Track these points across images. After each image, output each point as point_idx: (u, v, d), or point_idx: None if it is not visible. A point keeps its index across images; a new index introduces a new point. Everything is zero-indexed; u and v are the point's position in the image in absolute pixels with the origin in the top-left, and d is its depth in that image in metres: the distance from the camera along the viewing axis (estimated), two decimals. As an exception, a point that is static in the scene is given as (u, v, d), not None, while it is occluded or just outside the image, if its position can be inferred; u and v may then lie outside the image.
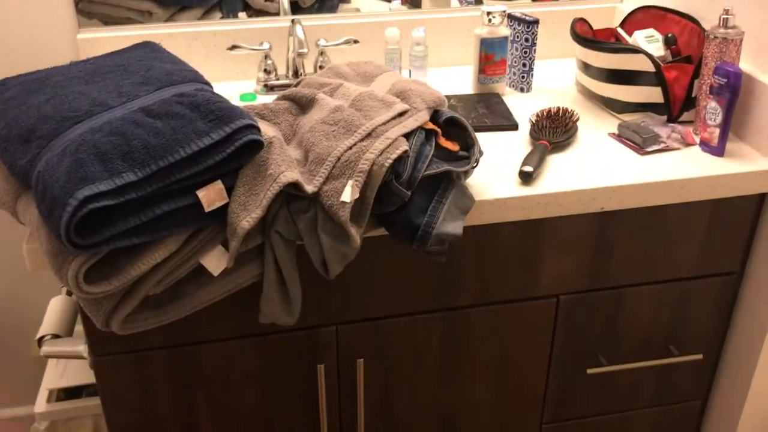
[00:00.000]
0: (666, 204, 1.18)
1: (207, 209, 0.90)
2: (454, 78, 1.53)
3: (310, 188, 0.96)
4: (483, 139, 1.29)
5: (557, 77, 1.54)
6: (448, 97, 1.43)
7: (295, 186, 0.95)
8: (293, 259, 0.99)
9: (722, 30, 1.20)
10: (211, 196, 0.91)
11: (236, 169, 0.94)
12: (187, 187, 0.90)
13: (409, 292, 1.18)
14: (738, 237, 1.27)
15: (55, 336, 1.22)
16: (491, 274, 1.20)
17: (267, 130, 1.02)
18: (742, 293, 1.33)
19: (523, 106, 1.40)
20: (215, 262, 0.95)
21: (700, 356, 1.34)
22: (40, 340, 1.23)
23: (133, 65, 1.06)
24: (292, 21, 1.40)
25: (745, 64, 1.25)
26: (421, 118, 1.06)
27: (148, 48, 1.14)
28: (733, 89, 1.17)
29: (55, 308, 1.31)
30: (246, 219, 0.91)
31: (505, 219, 1.13)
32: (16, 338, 1.67)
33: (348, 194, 0.95)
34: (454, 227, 1.03)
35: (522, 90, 1.48)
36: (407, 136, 1.03)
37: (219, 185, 0.91)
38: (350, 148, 0.99)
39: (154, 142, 0.87)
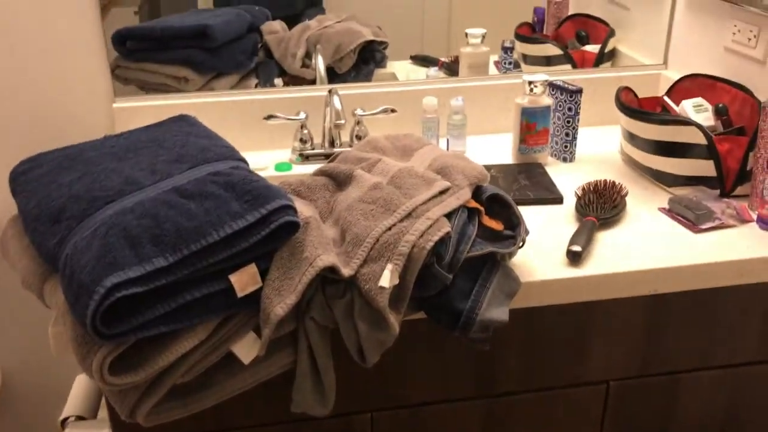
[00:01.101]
0: (722, 286, 1.11)
1: (240, 294, 0.86)
2: (493, 147, 1.49)
3: (346, 271, 0.92)
4: (526, 212, 1.23)
5: (601, 146, 1.49)
6: (488, 167, 1.38)
7: (331, 270, 0.90)
8: (328, 346, 0.94)
9: (779, 102, 1.14)
10: (244, 280, 0.86)
11: (271, 251, 0.90)
12: (220, 270, 0.86)
13: (448, 377, 1.11)
14: (802, 320, 1.18)
15: (80, 418, 1.18)
16: (536, 358, 1.13)
17: (303, 209, 0.98)
18: (807, 380, 1.24)
19: (567, 177, 1.35)
20: (246, 350, 0.90)
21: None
22: (64, 422, 1.18)
23: (168, 141, 1.04)
24: (329, 91, 1.38)
25: (804, 137, 1.19)
26: (463, 196, 1.01)
27: (184, 122, 1.12)
28: (794, 165, 1.10)
29: (81, 387, 1.27)
30: (280, 305, 0.86)
31: (553, 302, 1.07)
32: (40, 416, 1.62)
33: (387, 279, 0.90)
34: (499, 313, 0.97)
35: (565, 160, 1.43)
36: (449, 215, 0.98)
37: (253, 269, 0.87)
38: (389, 228, 0.94)
39: (187, 224, 0.83)
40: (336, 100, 1.35)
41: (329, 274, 0.91)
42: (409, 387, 1.10)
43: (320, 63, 1.58)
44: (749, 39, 1.30)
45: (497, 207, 1.05)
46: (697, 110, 1.33)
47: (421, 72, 1.63)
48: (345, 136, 1.48)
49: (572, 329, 1.12)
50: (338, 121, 1.33)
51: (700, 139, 1.22)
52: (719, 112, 1.30)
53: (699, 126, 1.22)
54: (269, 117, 1.41)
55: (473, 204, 1.02)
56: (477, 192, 1.06)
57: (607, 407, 1.19)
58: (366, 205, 0.99)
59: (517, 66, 1.68)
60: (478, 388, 1.13)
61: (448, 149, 1.47)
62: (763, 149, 1.17)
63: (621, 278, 1.07)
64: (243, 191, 0.88)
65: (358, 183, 1.04)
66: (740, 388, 1.22)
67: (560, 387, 1.16)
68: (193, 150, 1.00)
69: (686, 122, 1.23)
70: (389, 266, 0.91)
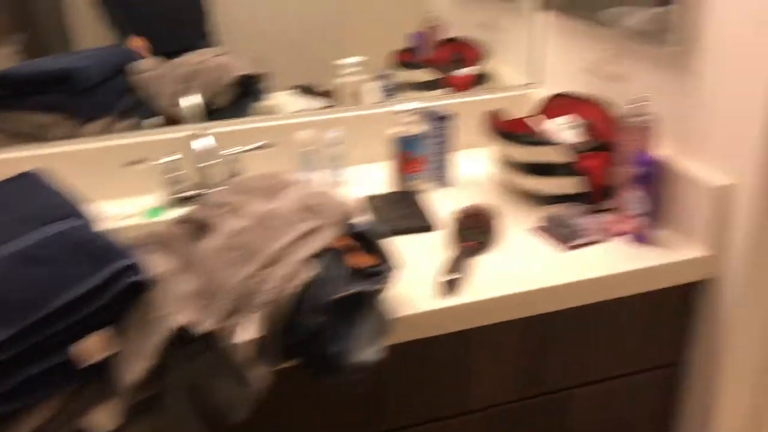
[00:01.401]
0: (597, 301, 1.13)
1: (82, 365, 0.80)
2: (373, 176, 1.48)
3: (207, 326, 0.87)
4: (402, 242, 1.22)
5: (479, 168, 1.50)
6: (367, 198, 1.37)
7: (187, 327, 0.85)
8: (191, 406, 0.89)
9: (636, 118, 1.17)
10: (89, 349, 0.81)
11: (121, 313, 0.85)
12: (63, 341, 0.80)
13: (329, 420, 1.08)
14: (675, 327, 1.22)
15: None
16: (420, 392, 1.11)
17: (159, 262, 0.93)
18: (686, 383, 1.27)
19: (446, 204, 1.35)
20: (103, 421, 0.84)
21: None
22: None
23: (10, 201, 0.97)
24: (198, 131, 1.33)
25: (664, 148, 1.23)
26: (330, 235, 0.99)
27: (29, 179, 1.05)
28: (652, 177, 1.14)
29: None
30: (132, 372, 0.81)
31: (430, 333, 1.05)
32: None
33: (247, 332, 0.86)
34: (371, 353, 0.94)
35: (442, 185, 1.43)
36: (315, 256, 0.95)
37: (99, 336, 0.82)
38: (251, 277, 0.91)
39: (19, 296, 0.77)
40: (206, 139, 1.30)
41: (187, 332, 0.86)
42: (293, 435, 1.07)
43: (192, 101, 1.53)
44: (607, 58, 1.34)
45: (368, 242, 1.03)
46: (566, 128, 1.36)
47: (307, 102, 1.61)
48: (220, 175, 1.43)
49: (453, 359, 1.11)
50: (208, 162, 1.28)
51: (566, 157, 1.24)
52: (585, 129, 1.33)
53: (564, 145, 1.24)
54: (136, 162, 1.35)
55: (341, 242, 1.00)
56: (347, 228, 1.04)
57: (497, 432, 1.18)
58: (227, 253, 0.95)
59: (399, 92, 1.68)
60: (365, 427, 1.10)
61: (328, 182, 1.45)
62: (626, 164, 1.20)
63: (497, 303, 1.07)
64: (85, 252, 0.83)
65: (220, 230, 1.00)
66: (624, 399, 1.25)
67: (446, 417, 1.14)
68: (35, 210, 0.93)
69: (551, 142, 1.25)
70: (252, 317, 0.87)
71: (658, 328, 1.20)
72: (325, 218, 1.00)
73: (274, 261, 0.93)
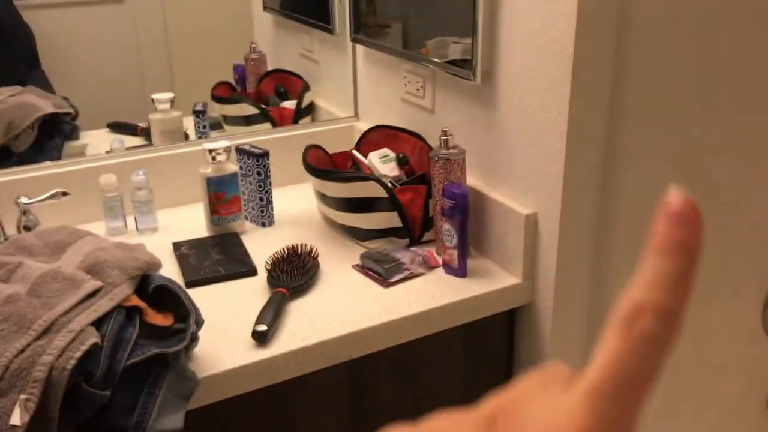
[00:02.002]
0: (418, 337, 1.11)
1: None
2: (189, 219, 1.39)
3: (-31, 412, 0.75)
4: (218, 291, 1.15)
5: (301, 205, 1.45)
6: (180, 244, 1.28)
7: (-59, 418, 0.73)
8: None
9: (444, 151, 1.18)
10: None
11: None
12: None
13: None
14: (498, 354, 1.23)
15: None
16: (240, 452, 1.04)
17: None
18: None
19: (266, 244, 1.28)
20: None
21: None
22: None
23: None
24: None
25: (473, 179, 1.24)
26: (119, 294, 0.89)
27: None
28: (462, 210, 1.14)
29: None
30: None
31: (244, 390, 0.98)
32: None
33: (17, 416, 0.75)
34: (173, 421, 0.86)
35: (264, 225, 1.37)
36: (101, 320, 0.86)
37: None
38: (22, 351, 0.80)
39: None
40: (-18, 192, 1.16)
41: (-59, 424, 0.74)
42: None
43: (-22, 146, 1.38)
44: (417, 89, 1.35)
45: (167, 298, 0.95)
46: (384, 161, 1.35)
47: (124, 141, 1.51)
48: (11, 229, 1.28)
49: (273, 413, 1.04)
50: (-14, 218, 1.14)
51: (381, 192, 1.23)
52: (400, 162, 1.33)
53: (377, 180, 1.23)
54: None
55: (133, 302, 0.91)
56: (144, 283, 0.95)
57: (327, 483, 1.13)
58: (-5, 325, 0.83)
59: (218, 127, 1.61)
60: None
61: (137, 228, 1.34)
62: (438, 197, 1.20)
63: (312, 351, 1.02)
64: None
65: (-11, 298, 0.87)
66: None
67: (271, 476, 1.08)
68: None
69: (366, 178, 1.23)
70: (21, 398, 0.76)
71: (482, 357, 1.21)
72: (114, 276, 0.91)
73: (50, 330, 0.82)
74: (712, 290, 1.31)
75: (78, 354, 0.80)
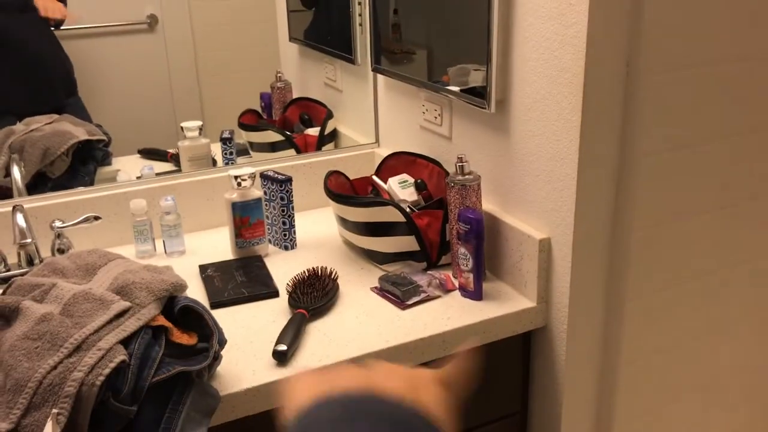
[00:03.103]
0: (434, 359, 1.14)
1: None
2: (215, 243, 1.44)
3: (5, 425, 0.80)
4: (241, 312, 1.19)
5: (322, 228, 1.50)
6: (206, 266, 1.33)
7: (-21, 430, 0.78)
8: None
9: (460, 177, 1.22)
10: None
11: None
12: None
13: None
14: (513, 376, 1.25)
15: None
16: (260, 468, 1.07)
17: (-49, 358, 0.85)
18: (530, 431, 1.30)
19: (288, 267, 1.33)
20: None
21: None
22: None
23: None
24: (14, 208, 1.25)
25: (489, 204, 1.27)
26: (147, 315, 0.94)
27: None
28: (477, 234, 1.17)
29: None
30: None
31: (263, 408, 1.02)
32: None
33: (49, 429, 0.80)
34: (196, 436, 0.90)
35: (286, 248, 1.42)
36: (129, 339, 0.90)
37: None
38: (55, 367, 0.85)
39: None
40: (19, 217, 1.22)
41: (-21, 435, 0.79)
42: None
43: (16, 173, 1.45)
44: (435, 117, 1.39)
45: (192, 318, 0.99)
46: (403, 186, 1.39)
47: (154, 167, 1.57)
48: (46, 252, 1.34)
49: None
50: (23, 240, 1.20)
51: (399, 217, 1.26)
52: (419, 188, 1.36)
53: (395, 205, 1.27)
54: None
55: (160, 321, 0.95)
56: (170, 303, 1.00)
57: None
58: (30, 342, 0.88)
59: (245, 153, 1.67)
60: None
61: (165, 251, 1.39)
62: (454, 222, 1.23)
63: (331, 371, 1.05)
64: None
65: (25, 317, 0.92)
66: (472, 452, 1.26)
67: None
68: None
69: (384, 203, 1.27)
70: (53, 412, 0.81)
71: (497, 379, 1.23)
72: (142, 297, 0.95)
73: (81, 348, 0.87)
74: (725, 319, 1.32)
75: (107, 371, 0.84)
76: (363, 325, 1.14)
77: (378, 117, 1.64)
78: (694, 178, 1.19)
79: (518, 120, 1.17)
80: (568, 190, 1.09)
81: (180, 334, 0.97)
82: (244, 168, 1.35)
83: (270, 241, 1.43)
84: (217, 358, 0.98)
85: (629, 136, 1.09)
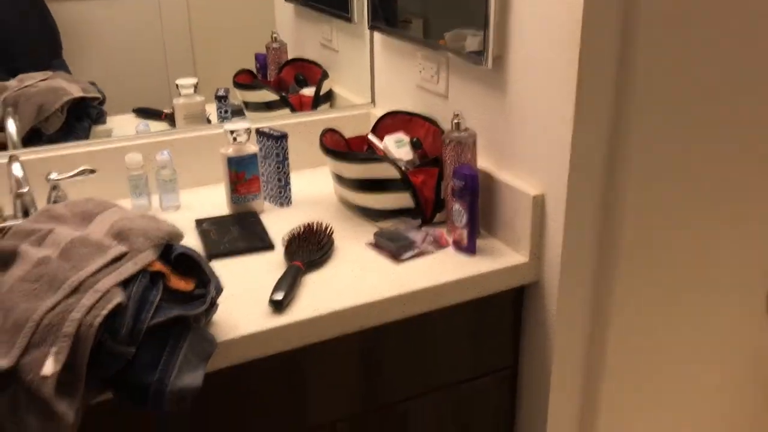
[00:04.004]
0: (426, 311, 1.15)
1: None
2: (210, 199, 1.45)
3: (5, 362, 0.81)
4: (236, 263, 1.20)
5: (318, 187, 1.50)
6: (202, 221, 1.34)
7: (-21, 366, 0.79)
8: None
9: (456, 134, 1.22)
10: None
11: None
12: None
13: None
14: (506, 331, 1.27)
15: None
16: (251, 417, 1.09)
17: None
18: (521, 385, 1.33)
19: (283, 223, 1.33)
20: None
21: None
22: None
23: None
24: (10, 158, 1.25)
25: (484, 162, 1.28)
26: (143, 259, 0.95)
27: None
28: (472, 191, 1.18)
29: None
30: None
31: (259, 355, 1.04)
32: None
33: (50, 366, 0.81)
34: (192, 379, 0.91)
35: (281, 205, 1.42)
36: (127, 282, 0.91)
37: None
38: (53, 308, 0.86)
39: None
40: (16, 167, 1.22)
41: (-20, 371, 0.80)
42: (117, 474, 1.01)
43: (11, 125, 1.44)
44: (432, 76, 1.39)
45: (188, 266, 1.00)
46: (399, 145, 1.39)
47: (148, 125, 1.56)
48: (41, 205, 1.34)
49: (287, 379, 1.09)
50: (20, 190, 1.20)
51: (395, 174, 1.27)
52: (414, 146, 1.37)
53: (391, 161, 1.27)
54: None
55: (157, 267, 0.96)
56: (167, 252, 1.00)
57: (337, 450, 1.18)
58: (28, 284, 0.89)
59: (239, 113, 1.66)
60: (194, 459, 1.06)
61: (161, 206, 1.40)
62: (449, 179, 1.24)
63: (326, 320, 1.07)
64: None
65: (23, 260, 0.93)
66: (464, 405, 1.28)
67: (285, 440, 1.13)
68: None
69: (380, 159, 1.28)
70: (52, 350, 0.82)
71: (489, 333, 1.25)
72: (139, 242, 0.96)
73: (79, 290, 0.88)
74: (714, 280, 1.34)
75: (105, 312, 0.85)
76: (358, 278, 1.15)
77: (374, 77, 1.64)
78: (688, 138, 1.20)
79: (515, 77, 1.18)
80: (562, 148, 1.10)
81: (177, 279, 0.98)
82: (240, 123, 1.35)
83: (265, 198, 1.43)
84: (213, 304, 0.99)
85: (626, 92, 1.10)
